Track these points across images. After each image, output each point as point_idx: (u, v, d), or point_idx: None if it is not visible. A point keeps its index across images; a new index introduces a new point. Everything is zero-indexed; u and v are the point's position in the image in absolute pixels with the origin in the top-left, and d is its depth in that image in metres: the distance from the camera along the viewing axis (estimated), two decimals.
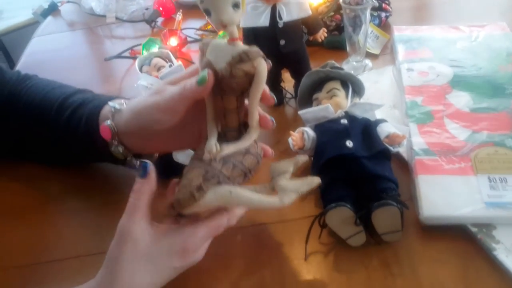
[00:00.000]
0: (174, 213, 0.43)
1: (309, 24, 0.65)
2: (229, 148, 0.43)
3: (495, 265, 0.45)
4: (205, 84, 0.43)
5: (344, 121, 0.54)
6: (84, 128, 0.55)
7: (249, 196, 0.41)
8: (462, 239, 0.48)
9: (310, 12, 0.61)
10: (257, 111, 0.44)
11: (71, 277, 0.50)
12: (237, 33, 0.42)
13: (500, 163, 0.52)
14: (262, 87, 0.42)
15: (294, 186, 0.41)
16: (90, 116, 0.55)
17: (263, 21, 0.60)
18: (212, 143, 0.43)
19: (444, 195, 0.50)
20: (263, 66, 0.42)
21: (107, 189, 0.61)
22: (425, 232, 0.49)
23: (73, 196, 0.61)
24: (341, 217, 0.47)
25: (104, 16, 1.09)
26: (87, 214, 0.58)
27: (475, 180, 0.51)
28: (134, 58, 0.86)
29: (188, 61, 0.85)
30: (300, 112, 0.58)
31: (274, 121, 0.47)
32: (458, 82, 0.65)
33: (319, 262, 0.48)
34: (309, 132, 0.55)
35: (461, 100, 0.62)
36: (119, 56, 0.87)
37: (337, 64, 0.64)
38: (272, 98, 0.46)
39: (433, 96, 0.64)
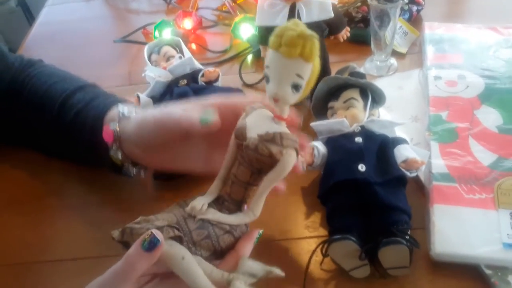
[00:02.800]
0: (119, 238, 0.37)
1: (331, 24, 0.59)
2: (214, 216, 0.39)
3: None
4: (207, 126, 0.44)
5: (359, 139, 0.50)
6: (89, 133, 0.53)
7: (197, 275, 0.36)
8: (474, 280, 0.45)
9: (332, 14, 0.56)
10: (263, 199, 0.40)
11: (67, 280, 0.50)
12: (286, 113, 0.39)
13: None
14: (280, 177, 0.38)
15: None
16: (94, 121, 0.53)
17: (280, 20, 0.55)
18: (201, 201, 0.39)
19: (459, 231, 0.46)
20: (291, 158, 0.38)
21: (108, 185, 0.59)
22: (434, 267, 0.46)
23: (73, 191, 0.60)
24: (345, 250, 0.44)
25: None
26: (86, 212, 0.57)
27: (495, 215, 0.47)
28: (144, 43, 0.82)
29: (201, 47, 0.81)
30: (313, 124, 0.54)
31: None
32: (489, 96, 0.60)
33: None
34: (320, 148, 0.51)
35: (490, 117, 0.57)
36: (128, 40, 0.83)
37: (357, 68, 0.60)
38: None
39: (459, 111, 0.59)
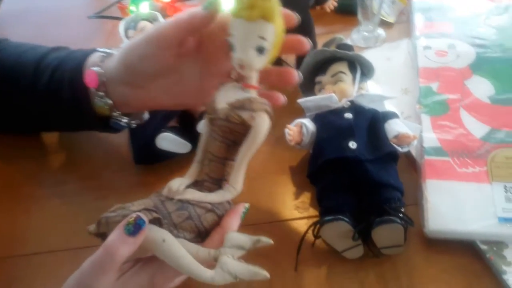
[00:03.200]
0: (96, 231, 0.35)
1: None
2: (194, 195, 0.37)
3: None
4: (212, 10, 0.38)
5: (348, 115, 0.48)
6: (68, 89, 0.48)
7: (180, 256, 0.34)
8: (469, 256, 0.44)
9: None
10: (243, 171, 0.37)
11: (44, 274, 0.47)
12: (254, 80, 0.37)
13: None
14: (256, 144, 0.36)
15: (236, 269, 0.34)
16: (73, 72, 0.48)
17: None
18: (178, 181, 0.37)
19: (453, 206, 0.45)
20: (263, 122, 0.36)
21: (86, 172, 0.56)
22: (428, 245, 0.45)
23: (49, 178, 0.56)
24: (337, 231, 0.43)
25: None
26: (63, 201, 0.53)
27: (489, 189, 0.46)
28: (121, 19, 0.78)
29: None
30: (300, 101, 0.52)
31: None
32: (480, 66, 0.58)
33: (311, 275, 0.45)
34: (308, 125, 0.49)
35: (482, 87, 0.56)
36: (103, 16, 0.79)
37: (344, 40, 0.57)
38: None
39: (450, 82, 0.57)
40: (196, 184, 0.39)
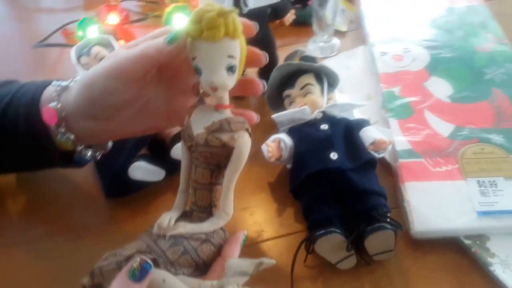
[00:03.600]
0: (91, 283, 0.33)
1: (277, 7, 0.56)
2: (186, 228, 0.35)
3: (491, 280, 0.43)
4: (175, 44, 0.36)
5: (324, 126, 0.48)
6: (24, 126, 0.44)
7: None
8: (455, 252, 0.45)
9: None
10: (231, 194, 0.36)
11: None
12: (227, 100, 0.36)
13: (488, 164, 0.49)
14: (240, 165, 0.35)
15: None
16: (28, 108, 0.44)
17: (226, 5, 0.51)
18: (167, 217, 0.36)
19: (434, 206, 0.46)
20: (244, 141, 0.35)
21: (52, 213, 0.52)
22: (415, 246, 0.46)
23: (11, 225, 0.51)
24: (331, 243, 0.43)
25: None
26: (30, 247, 0.49)
27: (464, 185, 0.48)
28: (69, 46, 0.74)
29: None
30: (274, 116, 0.51)
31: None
32: (436, 67, 0.61)
33: None
34: (286, 140, 0.49)
35: (440, 88, 0.58)
36: (48, 44, 0.74)
37: (307, 52, 0.58)
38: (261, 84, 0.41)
39: (410, 85, 0.59)
40: (185, 216, 0.38)
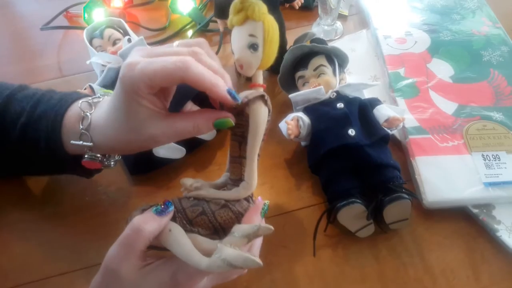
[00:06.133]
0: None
1: None
2: (208, 191, 0.38)
3: (498, 245, 0.47)
4: (223, 128, 0.38)
5: (340, 105, 0.51)
6: (45, 149, 0.43)
7: (181, 244, 0.35)
8: (464, 220, 0.49)
9: None
10: (255, 165, 0.38)
11: None
12: (260, 80, 0.38)
13: (490, 139, 0.53)
14: (257, 131, 0.37)
15: (230, 256, 0.34)
16: (48, 136, 0.43)
17: None
18: (191, 180, 0.39)
19: (444, 178, 0.50)
20: (256, 106, 0.37)
21: (78, 189, 0.53)
22: (427, 216, 0.49)
23: (29, 203, 0.52)
24: (352, 213, 0.45)
25: None
26: (58, 222, 0.50)
27: (470, 159, 0.51)
28: (78, 28, 0.74)
29: (137, 25, 0.75)
30: (291, 96, 0.54)
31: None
32: (437, 49, 0.64)
33: (329, 257, 0.47)
34: (304, 118, 0.51)
35: (442, 69, 0.62)
36: (56, 26, 0.74)
37: (316, 35, 0.60)
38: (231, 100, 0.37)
39: (414, 66, 0.62)
40: (220, 187, 0.40)
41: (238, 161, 0.39)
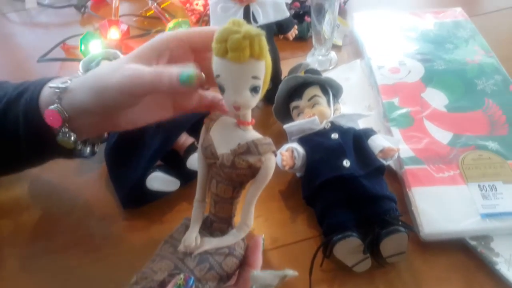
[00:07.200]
0: None
1: (282, 23, 0.59)
2: (211, 244, 0.37)
3: (497, 278, 0.46)
4: (189, 86, 0.36)
5: (335, 135, 0.51)
6: (25, 130, 0.43)
7: None
8: (462, 253, 0.48)
9: (288, 14, 0.55)
10: (253, 208, 0.37)
11: None
12: (250, 117, 0.36)
13: (486, 169, 0.52)
14: (265, 183, 0.36)
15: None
16: (27, 114, 0.43)
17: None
18: (193, 236, 0.37)
19: (441, 209, 0.49)
20: (272, 163, 0.36)
21: (68, 225, 0.52)
22: (424, 248, 0.48)
23: (25, 238, 0.51)
24: (348, 247, 0.45)
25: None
26: (48, 260, 0.49)
27: (467, 189, 0.51)
28: (74, 60, 0.74)
29: None
30: (286, 126, 0.53)
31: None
32: (431, 79, 0.64)
33: None
34: (299, 149, 0.51)
35: (437, 98, 0.62)
36: (53, 58, 0.75)
37: (311, 65, 0.60)
38: None
39: (408, 96, 0.62)
40: (205, 226, 0.39)
41: (230, 201, 0.39)
